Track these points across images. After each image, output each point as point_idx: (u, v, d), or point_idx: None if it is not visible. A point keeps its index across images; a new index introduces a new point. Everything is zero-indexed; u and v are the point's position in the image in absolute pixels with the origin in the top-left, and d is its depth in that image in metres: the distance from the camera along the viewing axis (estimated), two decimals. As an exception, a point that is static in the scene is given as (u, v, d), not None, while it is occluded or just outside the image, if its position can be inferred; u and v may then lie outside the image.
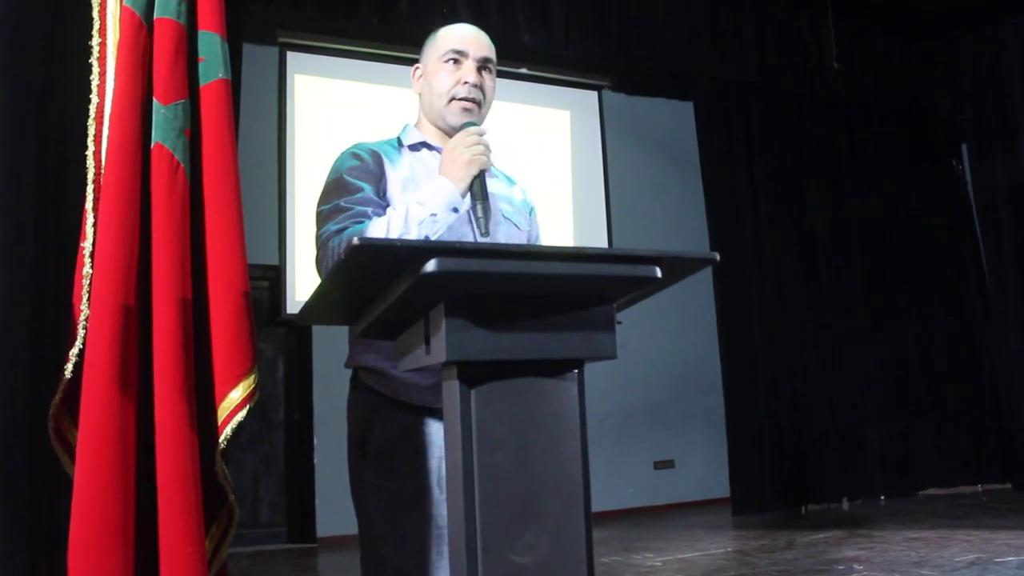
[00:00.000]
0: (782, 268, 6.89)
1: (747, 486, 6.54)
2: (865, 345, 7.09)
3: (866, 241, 7.24)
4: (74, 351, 1.53)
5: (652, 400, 7.23)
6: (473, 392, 1.38)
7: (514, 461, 1.39)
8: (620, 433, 7.01)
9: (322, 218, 1.74)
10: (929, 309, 7.38)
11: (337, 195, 1.76)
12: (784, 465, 6.65)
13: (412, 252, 1.29)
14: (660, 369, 7.29)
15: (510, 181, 2.09)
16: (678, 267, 1.50)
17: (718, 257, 1.49)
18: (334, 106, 6.15)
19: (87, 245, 1.54)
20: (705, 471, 7.25)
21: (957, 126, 7.59)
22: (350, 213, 1.72)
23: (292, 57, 6.20)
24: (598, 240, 7.21)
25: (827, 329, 6.95)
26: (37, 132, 2.79)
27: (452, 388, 1.39)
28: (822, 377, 6.90)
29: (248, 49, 5.55)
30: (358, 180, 1.79)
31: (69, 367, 1.52)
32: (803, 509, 6.60)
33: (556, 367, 1.44)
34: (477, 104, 1.91)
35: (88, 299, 1.51)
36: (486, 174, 1.73)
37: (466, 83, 1.88)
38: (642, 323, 7.12)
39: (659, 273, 1.43)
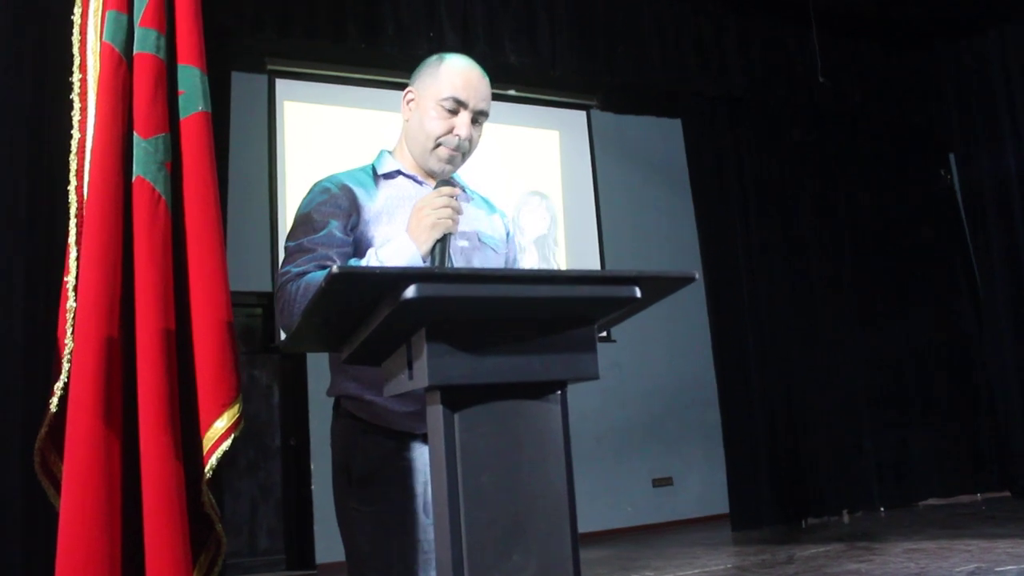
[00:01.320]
0: (774, 281, 6.91)
1: (746, 501, 6.52)
2: (859, 356, 7.09)
3: (857, 252, 7.26)
4: (59, 384, 1.54)
5: (649, 417, 7.22)
6: (457, 416, 1.39)
7: (499, 483, 1.39)
8: (618, 451, 7.01)
9: (286, 255, 1.75)
10: (922, 318, 7.39)
11: (303, 232, 1.78)
12: (782, 479, 6.64)
13: (392, 279, 1.31)
14: (657, 386, 7.29)
15: (490, 207, 2.10)
16: (658, 286, 1.52)
17: (697, 276, 1.51)
18: (323, 132, 6.18)
19: (70, 279, 1.55)
20: (704, 487, 7.24)
21: (944, 135, 7.63)
22: (313, 255, 1.74)
23: (281, 84, 6.23)
24: (590, 259, 7.23)
25: (821, 340, 6.96)
26: (28, 168, 2.80)
27: (436, 412, 1.40)
28: (817, 389, 6.90)
29: (237, 77, 5.59)
30: (326, 216, 1.79)
31: (54, 401, 1.53)
32: (803, 523, 6.58)
33: (539, 389, 1.45)
34: (463, 154, 1.92)
35: (72, 332, 1.52)
36: (464, 202, 1.74)
37: (458, 135, 1.88)
38: (638, 340, 7.14)
39: (638, 293, 1.45)
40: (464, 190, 2.05)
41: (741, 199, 6.92)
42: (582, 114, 7.41)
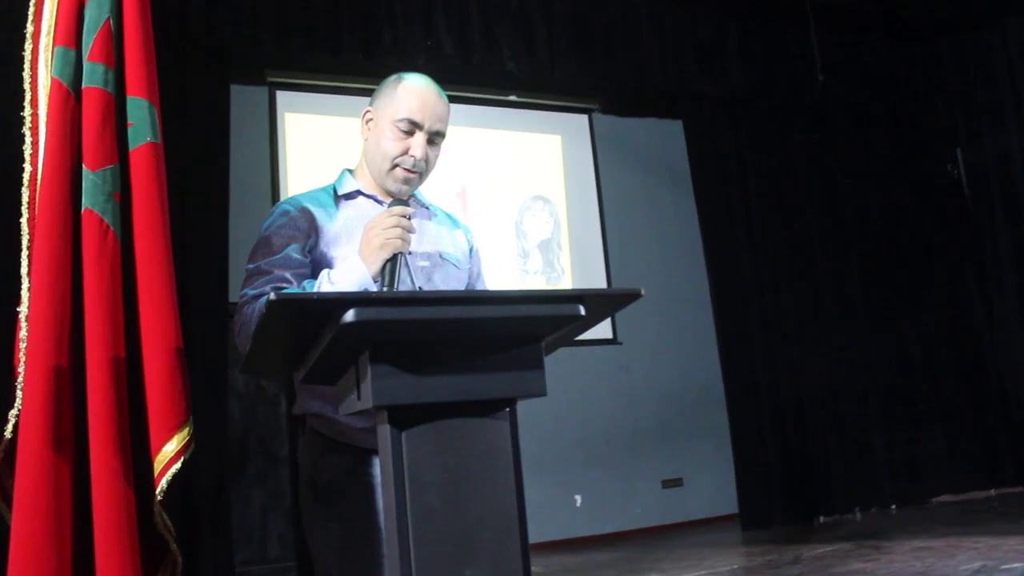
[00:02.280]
0: (780, 279, 6.89)
1: (755, 501, 6.51)
2: (867, 352, 7.06)
3: (863, 248, 7.23)
4: (13, 412, 1.58)
5: (658, 419, 7.21)
6: (404, 435, 1.41)
7: (447, 501, 1.42)
8: (627, 453, 7.01)
9: (246, 278, 1.79)
10: (930, 313, 7.35)
11: (262, 255, 1.81)
12: (792, 478, 6.62)
13: (329, 304, 1.34)
14: (665, 387, 7.28)
15: (453, 223, 2.12)
16: (603, 304, 1.54)
17: (643, 292, 1.52)
18: (324, 142, 6.22)
19: (23, 309, 1.60)
20: (714, 488, 7.22)
21: (950, 130, 7.58)
22: (270, 277, 1.77)
23: (281, 96, 6.28)
24: (595, 262, 7.23)
25: (829, 338, 6.94)
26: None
27: (384, 432, 1.43)
28: (826, 387, 6.87)
29: (237, 90, 5.64)
30: (284, 238, 1.83)
31: (9, 428, 1.57)
32: (815, 522, 6.56)
33: (486, 407, 1.47)
34: (419, 174, 1.94)
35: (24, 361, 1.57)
36: (420, 222, 1.76)
37: (413, 156, 1.90)
38: (644, 342, 7.15)
39: (583, 311, 1.46)
40: (427, 207, 2.07)
41: (744, 199, 6.90)
42: (584, 118, 7.42)
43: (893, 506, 6.89)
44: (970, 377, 7.37)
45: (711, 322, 6.76)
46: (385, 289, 1.71)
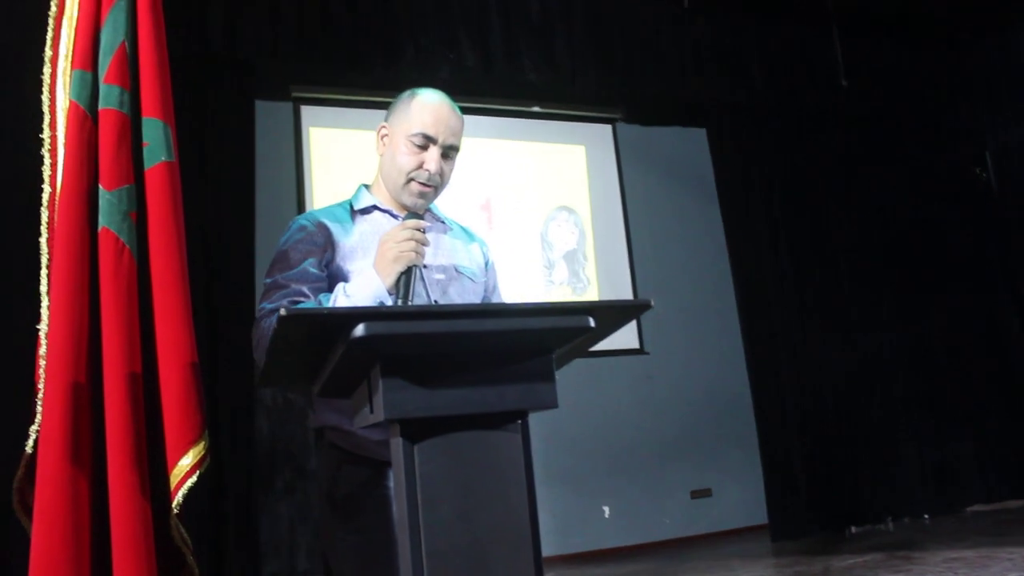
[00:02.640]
0: (805, 286, 6.84)
1: (785, 511, 6.44)
2: (896, 359, 6.98)
3: (891, 255, 7.15)
4: (33, 427, 1.62)
5: (686, 428, 7.17)
6: (416, 448, 1.43)
7: (459, 514, 1.43)
8: (655, 463, 6.97)
9: (263, 292, 1.82)
10: (960, 319, 7.25)
11: (279, 269, 1.84)
12: (822, 487, 6.55)
13: (339, 319, 1.35)
14: (693, 396, 7.23)
15: (469, 236, 2.14)
16: (614, 315, 1.54)
17: (652, 303, 1.52)
18: (349, 156, 6.26)
19: (42, 327, 1.64)
20: (743, 498, 7.16)
21: (977, 134, 7.50)
22: (286, 291, 1.80)
23: (306, 111, 6.34)
24: (620, 272, 7.22)
25: (856, 345, 6.86)
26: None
27: (396, 444, 1.44)
28: (854, 394, 6.80)
29: (262, 106, 5.71)
30: (301, 253, 1.85)
31: (30, 443, 1.61)
32: (846, 532, 6.49)
33: (497, 419, 1.48)
34: (434, 188, 1.96)
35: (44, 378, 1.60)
36: (436, 236, 1.77)
37: (428, 170, 1.93)
38: (670, 351, 7.11)
39: (592, 323, 1.47)
40: (443, 221, 2.09)
41: (769, 206, 6.86)
42: (607, 127, 7.41)
43: (926, 515, 6.79)
44: (1002, 383, 7.26)
45: (738, 330, 6.72)
46: (400, 302, 1.73)
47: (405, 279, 1.74)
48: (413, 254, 1.74)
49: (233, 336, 4.88)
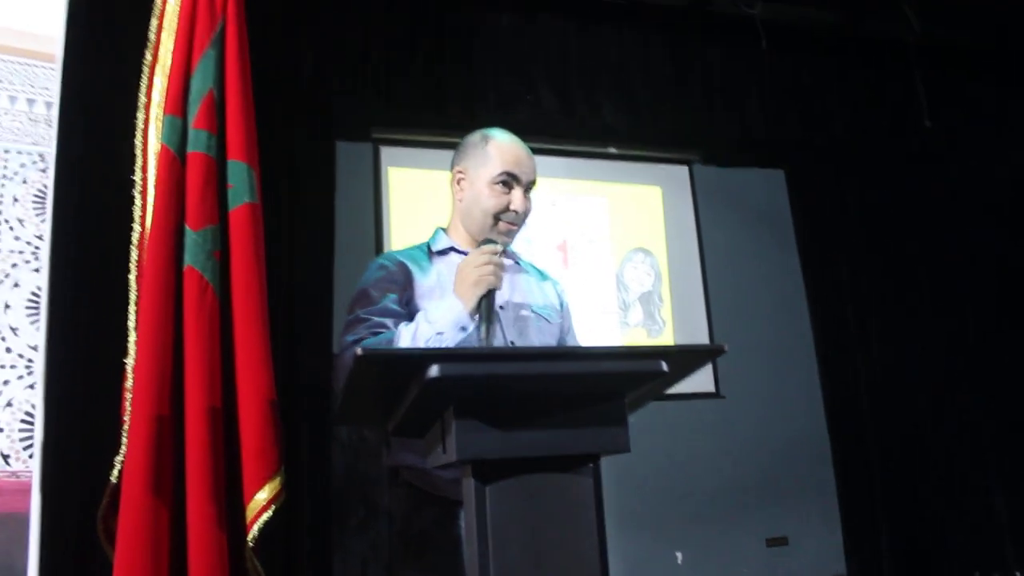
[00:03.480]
0: (887, 332, 6.66)
1: (864, 562, 6.23)
2: (982, 406, 6.73)
3: (978, 298, 6.93)
4: (119, 458, 1.67)
5: (762, 474, 7.00)
6: (488, 489, 1.43)
7: (529, 557, 1.42)
8: (729, 509, 6.80)
9: (346, 326, 1.84)
10: (1051, 365, 6.99)
11: (360, 305, 1.87)
12: (904, 539, 6.33)
13: (414, 360, 1.37)
14: (769, 441, 7.06)
15: (542, 276, 2.15)
16: (687, 360, 1.53)
17: (726, 348, 1.51)
18: (428, 197, 6.34)
19: (129, 361, 1.70)
20: (821, 547, 6.94)
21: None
22: (368, 324, 1.82)
23: (385, 151, 6.45)
24: (696, 314, 7.14)
25: (941, 392, 6.64)
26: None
27: (468, 485, 1.44)
28: (938, 442, 6.57)
29: (343, 147, 5.83)
30: (381, 290, 1.88)
31: (115, 473, 1.66)
32: (930, 586, 6.26)
33: (570, 463, 1.47)
34: (519, 225, 2.01)
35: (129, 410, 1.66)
36: (511, 276, 1.79)
37: (515, 210, 1.97)
38: (746, 395, 6.98)
39: (665, 367, 1.46)
40: (518, 262, 2.11)
41: (849, 248, 6.72)
42: (684, 168, 7.37)
43: (1017, 573, 6.51)
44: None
45: (816, 375, 6.57)
46: (483, 326, 1.74)
47: (487, 303, 1.76)
48: (492, 277, 1.76)
49: (309, 372, 4.95)
